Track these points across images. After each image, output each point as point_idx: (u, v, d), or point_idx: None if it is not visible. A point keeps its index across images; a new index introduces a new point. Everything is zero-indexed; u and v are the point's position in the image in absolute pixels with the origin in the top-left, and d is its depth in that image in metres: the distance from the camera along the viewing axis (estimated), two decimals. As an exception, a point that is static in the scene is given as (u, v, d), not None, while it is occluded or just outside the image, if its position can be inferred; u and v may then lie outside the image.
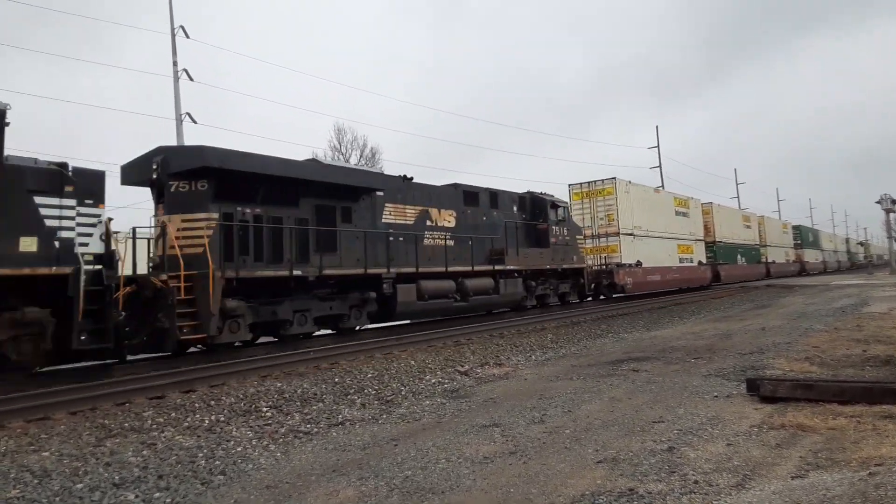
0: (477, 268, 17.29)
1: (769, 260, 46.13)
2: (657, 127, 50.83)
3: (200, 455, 5.54)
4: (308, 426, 6.53)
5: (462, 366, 10.19)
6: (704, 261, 34.45)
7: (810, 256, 57.41)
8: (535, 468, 4.68)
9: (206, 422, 6.86)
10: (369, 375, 9.52)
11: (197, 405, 7.70)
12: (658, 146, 50.13)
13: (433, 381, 9.00)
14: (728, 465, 4.47)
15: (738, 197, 68.66)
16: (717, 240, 36.48)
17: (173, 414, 7.27)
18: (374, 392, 8.28)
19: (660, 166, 49.56)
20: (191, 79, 26.60)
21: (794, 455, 4.62)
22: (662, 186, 40.94)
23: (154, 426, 6.72)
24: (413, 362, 10.78)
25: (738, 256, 40.40)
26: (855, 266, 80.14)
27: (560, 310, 21.00)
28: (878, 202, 45.56)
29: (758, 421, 5.63)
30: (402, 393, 8.18)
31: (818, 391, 6.22)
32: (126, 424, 6.80)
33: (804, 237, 57.08)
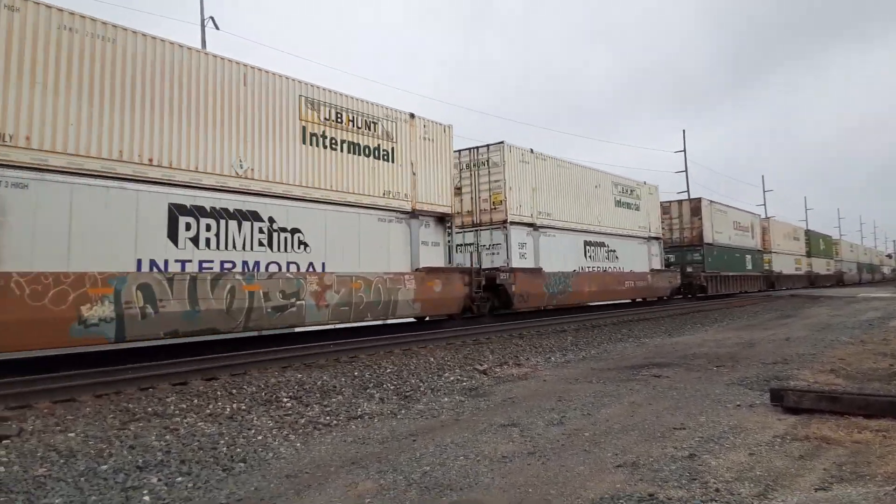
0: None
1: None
2: (684, 131, 50.36)
3: (222, 442, 5.62)
4: (327, 418, 6.58)
5: (481, 364, 10.19)
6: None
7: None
8: (553, 469, 4.67)
9: (228, 410, 6.94)
10: (388, 371, 9.57)
11: (219, 393, 7.80)
12: (685, 150, 49.62)
13: (452, 378, 9.01)
14: (750, 474, 4.42)
15: (764, 204, 67.91)
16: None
17: (196, 401, 7.38)
18: (392, 387, 8.31)
19: (686, 171, 49.04)
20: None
21: (818, 467, 4.55)
22: (688, 192, 41.39)
23: (177, 412, 6.83)
24: (432, 359, 10.80)
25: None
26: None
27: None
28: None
29: (781, 431, 5.56)
30: (421, 389, 8.20)
31: (843, 404, 6.12)
32: (150, 409, 6.92)
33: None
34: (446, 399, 7.57)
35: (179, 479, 4.64)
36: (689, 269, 31.08)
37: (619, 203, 25.08)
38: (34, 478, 4.62)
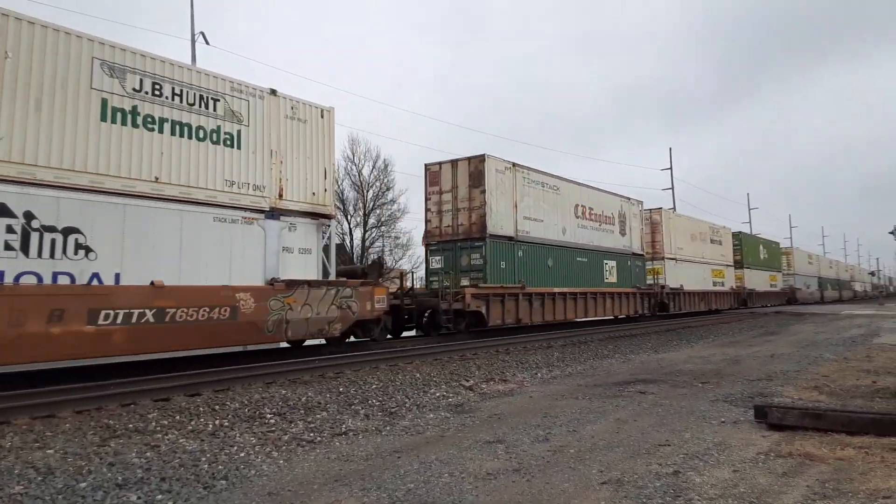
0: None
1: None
2: (670, 149, 50.78)
3: (203, 459, 5.54)
4: (311, 435, 6.52)
5: (467, 380, 10.16)
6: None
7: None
8: (538, 486, 4.65)
9: (210, 426, 6.86)
10: (374, 386, 9.51)
11: (201, 409, 7.71)
12: (671, 168, 50.08)
13: (438, 394, 8.97)
14: (734, 491, 4.42)
15: (749, 221, 68.50)
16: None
17: (178, 417, 7.29)
18: (378, 403, 8.26)
19: (672, 188, 49.48)
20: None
21: (801, 484, 4.57)
22: (674, 208, 41.16)
23: (158, 428, 6.73)
24: (418, 375, 10.75)
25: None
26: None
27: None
28: (891, 233, 45.14)
29: (765, 448, 5.58)
30: (407, 405, 8.15)
31: (827, 421, 6.15)
32: (130, 425, 6.82)
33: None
34: (432, 415, 7.53)
35: (159, 496, 4.57)
36: (464, 282, 18.31)
37: (124, 115, 10.13)
38: (10, 496, 4.53)
